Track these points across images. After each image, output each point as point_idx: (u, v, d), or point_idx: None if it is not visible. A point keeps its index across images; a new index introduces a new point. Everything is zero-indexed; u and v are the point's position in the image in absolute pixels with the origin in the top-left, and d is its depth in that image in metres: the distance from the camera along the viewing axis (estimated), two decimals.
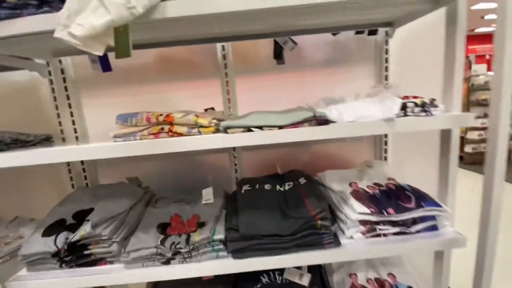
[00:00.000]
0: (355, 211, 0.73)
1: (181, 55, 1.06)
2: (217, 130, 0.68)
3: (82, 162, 1.08)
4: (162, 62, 1.06)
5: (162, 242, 0.72)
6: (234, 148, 1.08)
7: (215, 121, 0.71)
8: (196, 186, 1.04)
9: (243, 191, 0.86)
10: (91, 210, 0.80)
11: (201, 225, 0.78)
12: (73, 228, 0.73)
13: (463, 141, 4.19)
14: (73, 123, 1.03)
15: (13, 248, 0.81)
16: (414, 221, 0.72)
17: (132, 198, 0.87)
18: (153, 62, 1.06)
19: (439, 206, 0.72)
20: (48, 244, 0.70)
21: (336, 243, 0.72)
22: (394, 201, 0.75)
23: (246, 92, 1.06)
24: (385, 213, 0.71)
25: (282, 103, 0.94)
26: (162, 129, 0.68)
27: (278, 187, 0.88)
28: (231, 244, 0.72)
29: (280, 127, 0.65)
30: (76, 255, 0.72)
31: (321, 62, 1.07)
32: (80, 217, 0.78)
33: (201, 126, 0.68)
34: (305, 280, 0.84)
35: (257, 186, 0.88)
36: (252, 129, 0.65)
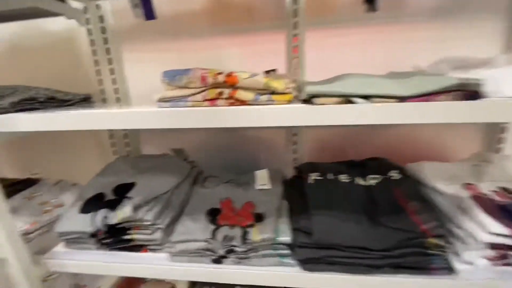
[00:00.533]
0: (486, 229, 0.50)
1: (238, 1, 0.83)
2: (295, 99, 0.48)
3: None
4: (214, 10, 0.85)
5: (213, 235, 0.58)
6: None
7: (292, 85, 0.50)
8: (246, 166, 0.88)
9: (311, 181, 0.67)
10: (132, 184, 0.69)
11: (259, 218, 0.62)
12: (112, 205, 0.62)
13: None
14: (114, 82, 0.90)
15: (53, 218, 0.75)
16: None
17: (178, 174, 0.74)
18: (204, 11, 0.86)
19: None
20: (85, 223, 0.61)
21: (451, 269, 0.51)
22: None
23: (319, 51, 0.81)
24: None
25: (368, 68, 0.69)
26: (221, 93, 0.49)
27: (359, 180, 0.67)
28: (301, 251, 0.56)
29: (401, 99, 0.42)
30: (115, 238, 0.61)
31: (429, 11, 0.77)
32: (121, 191, 0.67)
33: (274, 93, 0.48)
34: None
35: (330, 177, 0.68)
36: (354, 99, 0.43)
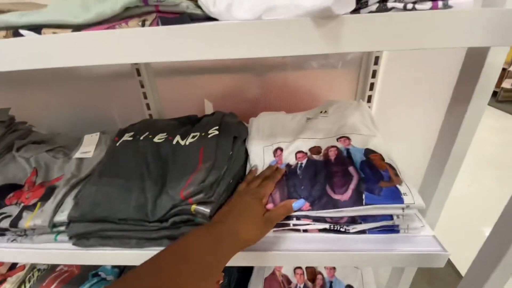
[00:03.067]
0: None
1: None
2: None
3: None
4: None
5: None
6: (138, 72, 0.72)
7: None
8: (101, 125, 0.75)
9: (118, 144, 0.56)
10: None
11: (48, 194, 0.52)
12: None
13: (503, 74, 3.45)
14: None
15: None
16: (353, 220, 0.42)
17: None
18: None
19: (397, 200, 0.38)
20: None
21: None
22: (321, 185, 0.43)
23: None
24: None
25: None
26: None
27: (178, 139, 0.56)
28: (72, 225, 0.47)
29: (76, 28, 0.29)
30: None
31: None
32: None
33: None
34: None
35: (142, 137, 0.57)
36: (21, 31, 0.29)
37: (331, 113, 0.57)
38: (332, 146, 0.48)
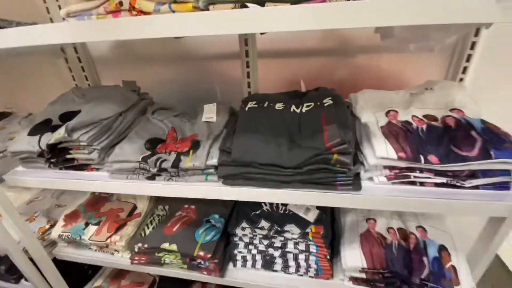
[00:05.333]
0: (374, 154, 0.51)
1: None
2: (196, 8, 0.45)
3: (79, 59, 0.96)
4: None
5: (145, 159, 0.63)
6: (246, 54, 0.83)
7: None
8: (203, 99, 0.88)
9: (246, 109, 0.68)
10: (78, 111, 0.72)
11: (195, 145, 0.65)
12: (56, 129, 0.66)
13: None
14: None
15: None
16: (473, 174, 0.49)
17: (123, 103, 0.76)
18: None
19: None
20: (32, 144, 0.66)
21: (356, 186, 0.54)
22: (445, 145, 0.50)
23: None
24: (423, 160, 0.48)
25: None
26: (121, 4, 0.47)
27: (293, 108, 0.66)
28: (221, 168, 0.59)
29: (296, 2, 0.39)
30: (60, 158, 0.67)
31: None
32: (67, 118, 0.70)
33: (174, 1, 0.45)
34: (311, 216, 0.72)
35: (265, 104, 0.68)
36: (248, 4, 0.40)
37: (437, 90, 0.63)
38: (448, 116, 0.55)
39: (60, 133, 0.62)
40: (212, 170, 0.61)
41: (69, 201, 1.01)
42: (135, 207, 0.89)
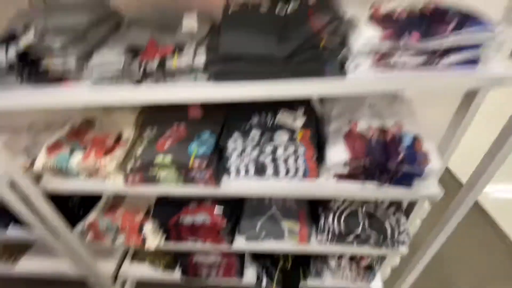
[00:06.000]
0: (362, 35, 0.53)
1: None
2: None
3: None
4: None
5: (129, 64, 0.60)
6: None
7: None
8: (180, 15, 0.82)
9: (229, 12, 0.65)
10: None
11: (180, 47, 0.63)
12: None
13: None
14: None
15: None
16: (448, 51, 0.53)
17: (94, 13, 0.70)
18: None
19: (488, 27, 0.49)
20: None
21: (343, 72, 0.56)
22: (425, 25, 0.53)
23: None
24: (407, 37, 0.51)
25: None
26: None
27: (278, 10, 0.65)
28: (211, 66, 0.59)
29: None
30: (32, 70, 0.62)
31: None
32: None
33: None
34: (299, 122, 0.76)
35: (249, 7, 0.66)
36: None
37: None
38: (426, 6, 0.57)
39: (29, 38, 0.56)
40: (200, 70, 0.60)
41: (47, 137, 0.97)
42: (120, 135, 0.88)
